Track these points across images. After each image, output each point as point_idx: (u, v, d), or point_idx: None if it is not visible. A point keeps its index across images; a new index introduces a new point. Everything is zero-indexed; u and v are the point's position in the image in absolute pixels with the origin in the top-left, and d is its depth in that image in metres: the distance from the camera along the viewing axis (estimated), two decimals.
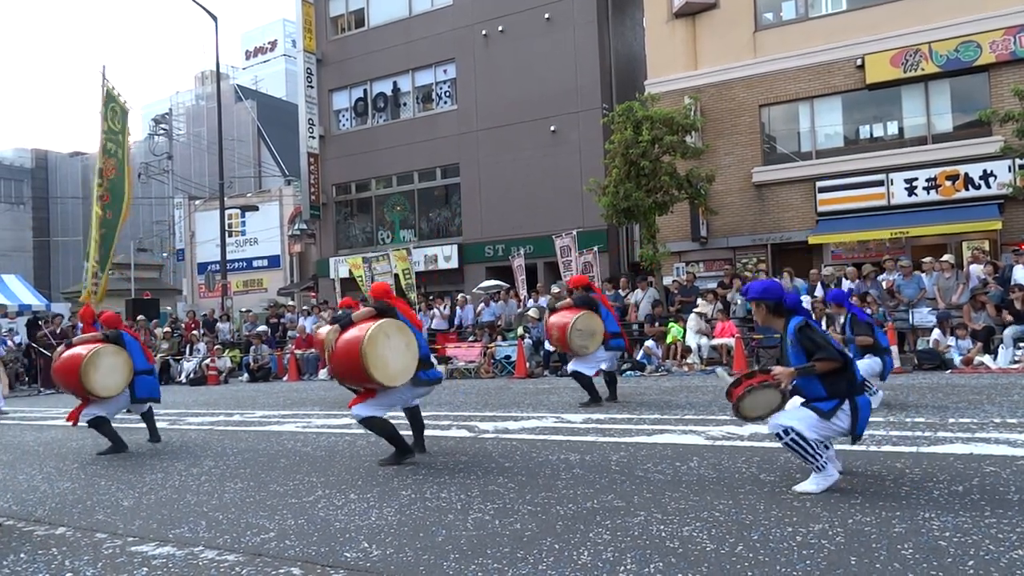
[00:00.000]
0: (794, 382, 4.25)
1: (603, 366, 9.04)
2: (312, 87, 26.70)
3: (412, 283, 20.00)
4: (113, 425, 7.39)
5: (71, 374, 7.06)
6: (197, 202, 37.53)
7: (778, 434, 4.16)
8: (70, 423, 7.35)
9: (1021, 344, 11.45)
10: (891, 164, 17.49)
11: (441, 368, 15.69)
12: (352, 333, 5.51)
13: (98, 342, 7.33)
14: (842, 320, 8.00)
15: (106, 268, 21.82)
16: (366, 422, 5.72)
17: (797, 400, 4.33)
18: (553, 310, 9.33)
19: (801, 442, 4.10)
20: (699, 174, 17.13)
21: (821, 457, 4.12)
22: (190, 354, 19.86)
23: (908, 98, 17.88)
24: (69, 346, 7.54)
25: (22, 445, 8.27)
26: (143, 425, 7.90)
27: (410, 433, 6.17)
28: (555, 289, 17.66)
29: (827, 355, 4.13)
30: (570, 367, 9.08)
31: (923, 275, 13.62)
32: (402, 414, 6.20)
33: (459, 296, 19.26)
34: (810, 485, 4.15)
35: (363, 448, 6.61)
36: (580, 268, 17.74)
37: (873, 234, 17.00)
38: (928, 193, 17.04)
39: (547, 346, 15.50)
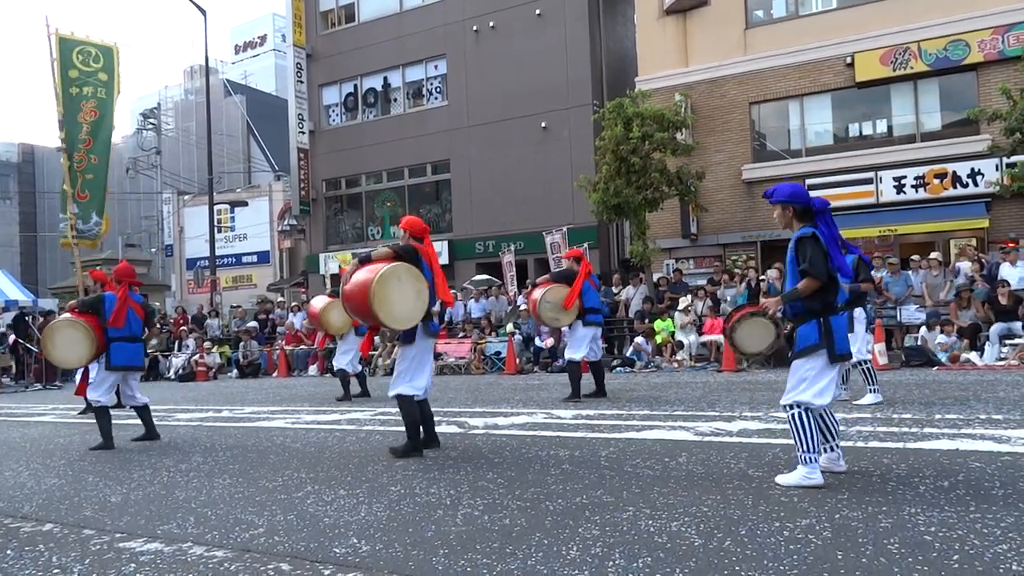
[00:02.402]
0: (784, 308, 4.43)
1: (586, 352, 9.11)
2: (302, 82, 26.59)
3: None
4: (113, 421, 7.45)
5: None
6: (186, 197, 37.31)
7: (786, 406, 4.28)
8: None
9: (1007, 341, 11.55)
10: (880, 162, 17.59)
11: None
12: (368, 268, 5.54)
13: (73, 312, 7.45)
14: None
15: (103, 210, 21.16)
16: (400, 400, 5.76)
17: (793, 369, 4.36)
18: (534, 285, 9.65)
19: (805, 419, 4.18)
20: (689, 171, 17.17)
21: (812, 450, 4.16)
22: (179, 350, 19.77)
23: (897, 96, 17.98)
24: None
25: (8, 441, 8.22)
26: (132, 422, 7.86)
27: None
28: None
29: (812, 271, 4.20)
30: (566, 355, 9.24)
31: (911, 273, 13.71)
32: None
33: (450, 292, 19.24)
34: (791, 478, 4.19)
35: (352, 444, 6.61)
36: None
37: (861, 232, 17.08)
38: (916, 191, 17.14)
39: (537, 342, 15.54)
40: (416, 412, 5.81)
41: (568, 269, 9.12)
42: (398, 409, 5.89)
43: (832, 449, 4.44)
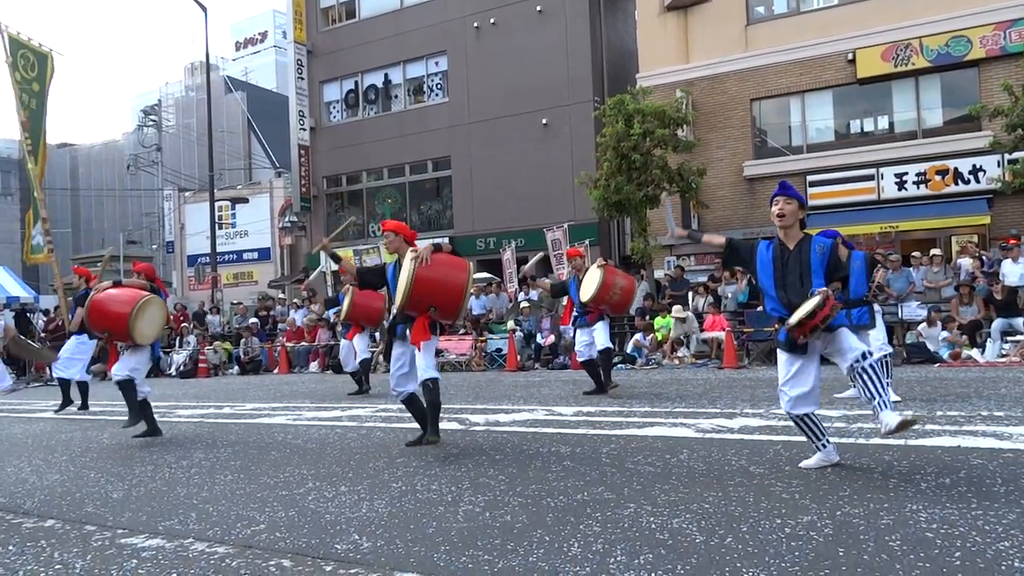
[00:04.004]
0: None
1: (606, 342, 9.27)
2: (302, 79, 26.56)
3: None
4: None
5: (117, 318, 7.11)
6: (187, 194, 37.28)
7: (862, 355, 4.21)
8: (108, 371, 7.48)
9: (1008, 338, 11.54)
10: (881, 159, 17.56)
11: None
12: (456, 260, 5.99)
13: (146, 290, 7.42)
14: None
15: (36, 222, 20.36)
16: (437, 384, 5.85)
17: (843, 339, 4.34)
18: (608, 265, 9.35)
19: (877, 368, 4.19)
20: (690, 168, 17.15)
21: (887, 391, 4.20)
22: (180, 347, 19.78)
23: (898, 93, 17.95)
24: (117, 285, 7.56)
25: (10, 438, 8.23)
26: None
27: (416, 426, 6.20)
28: (546, 282, 17.66)
29: (845, 275, 4.47)
30: (601, 345, 9.09)
31: (912, 269, 13.70)
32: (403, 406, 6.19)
33: None
34: (889, 418, 4.12)
35: (354, 440, 6.61)
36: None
37: (863, 228, 17.08)
38: (918, 188, 17.12)
39: (539, 339, 15.54)
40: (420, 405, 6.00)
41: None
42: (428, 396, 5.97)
43: (824, 446, 4.54)
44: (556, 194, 21.46)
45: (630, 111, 16.34)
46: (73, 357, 10.04)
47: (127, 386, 7.26)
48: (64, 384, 10.37)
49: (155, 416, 7.63)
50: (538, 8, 22.27)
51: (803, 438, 4.75)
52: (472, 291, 5.95)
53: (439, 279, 5.76)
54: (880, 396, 4.15)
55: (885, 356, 7.53)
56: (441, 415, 6.03)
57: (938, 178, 16.91)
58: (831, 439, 4.64)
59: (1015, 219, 16.10)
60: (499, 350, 15.66)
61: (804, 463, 4.55)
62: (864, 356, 4.20)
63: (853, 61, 17.80)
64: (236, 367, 18.77)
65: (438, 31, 24.18)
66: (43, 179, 17.53)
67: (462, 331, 16.89)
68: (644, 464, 4.87)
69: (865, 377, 4.18)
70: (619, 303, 9.11)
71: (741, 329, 13.92)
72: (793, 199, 4.50)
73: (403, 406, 6.14)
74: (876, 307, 7.87)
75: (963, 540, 3.07)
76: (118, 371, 7.26)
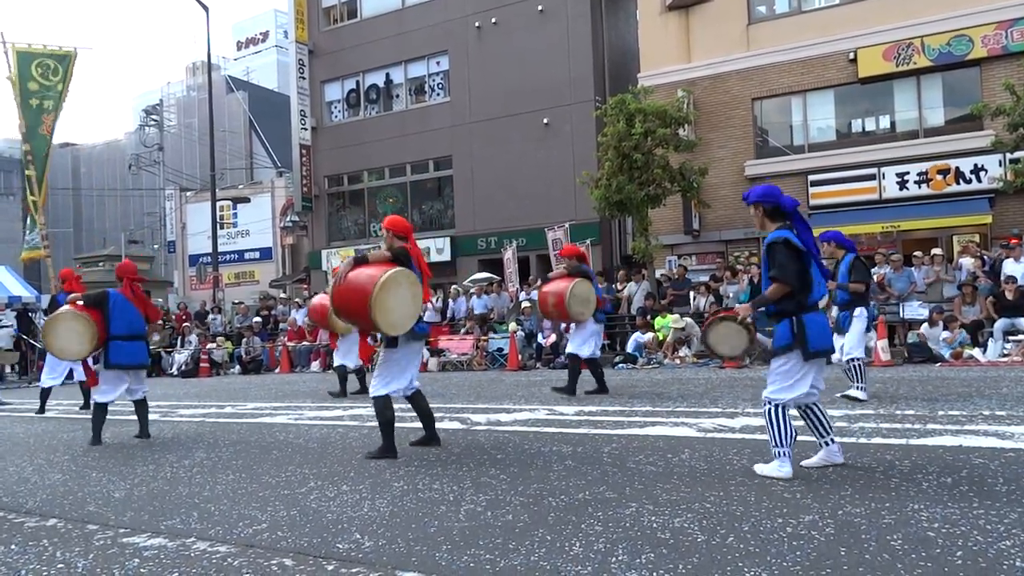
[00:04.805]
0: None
1: (589, 351, 9.12)
2: (304, 78, 26.57)
3: None
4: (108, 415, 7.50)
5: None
6: (188, 194, 37.33)
7: (765, 400, 4.44)
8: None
9: (1010, 337, 11.52)
10: (883, 158, 17.54)
11: (433, 360, 15.74)
12: (367, 272, 5.35)
13: (73, 305, 7.31)
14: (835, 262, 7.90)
15: (36, 220, 20.89)
16: (375, 401, 5.66)
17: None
18: (546, 280, 9.51)
19: (777, 414, 4.33)
20: (692, 167, 17.13)
21: (782, 444, 4.32)
22: (181, 346, 19.80)
23: (900, 92, 17.93)
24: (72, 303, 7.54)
25: (12, 437, 8.24)
26: (135, 418, 7.86)
27: (419, 425, 6.11)
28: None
29: (781, 277, 4.31)
30: (568, 348, 9.24)
31: (913, 269, 13.69)
32: (408, 405, 6.08)
33: (451, 288, 19.25)
34: (768, 468, 4.38)
35: (355, 440, 6.61)
36: None
37: (865, 228, 17.06)
38: (919, 187, 17.09)
39: (540, 339, 15.53)
40: (391, 413, 5.65)
41: (579, 265, 9.12)
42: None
43: (828, 443, 4.54)
44: (557, 193, 21.46)
45: (631, 110, 16.32)
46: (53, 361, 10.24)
47: (140, 404, 7.53)
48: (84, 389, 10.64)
49: (148, 418, 7.63)
50: (539, 8, 22.26)
51: (806, 437, 4.75)
52: (418, 305, 5.32)
53: (346, 297, 5.38)
54: (775, 447, 4.35)
55: (855, 360, 7.46)
56: (439, 416, 6.03)
57: (940, 177, 16.89)
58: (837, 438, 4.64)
59: (1017, 218, 16.07)
60: (500, 349, 15.67)
61: (806, 462, 4.56)
62: (767, 401, 4.40)
63: (855, 60, 17.78)
64: (237, 367, 18.79)
65: (439, 31, 24.18)
66: (47, 178, 17.90)
67: (464, 330, 16.90)
68: (646, 463, 4.87)
69: (767, 419, 4.41)
70: (559, 315, 9.18)
71: None
72: (750, 205, 4.60)
73: (408, 403, 6.12)
74: (860, 311, 7.66)
75: (965, 539, 3.07)
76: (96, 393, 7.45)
